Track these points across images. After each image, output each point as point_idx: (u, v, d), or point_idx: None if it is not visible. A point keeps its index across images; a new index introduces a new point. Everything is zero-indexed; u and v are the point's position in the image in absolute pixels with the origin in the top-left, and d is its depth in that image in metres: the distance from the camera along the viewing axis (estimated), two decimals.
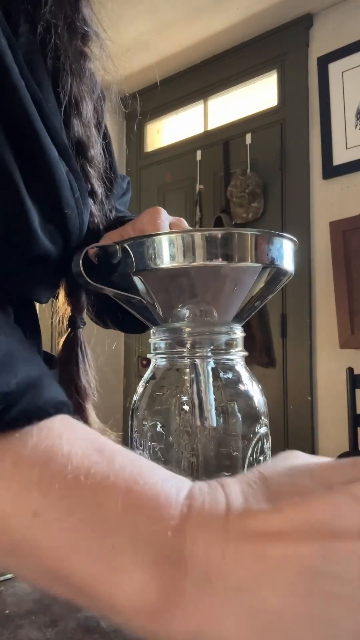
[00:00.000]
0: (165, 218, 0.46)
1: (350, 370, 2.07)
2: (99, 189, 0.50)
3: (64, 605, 0.37)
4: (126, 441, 0.63)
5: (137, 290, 0.39)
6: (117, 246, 0.37)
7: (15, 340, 0.28)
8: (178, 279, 0.36)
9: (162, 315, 0.40)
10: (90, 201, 0.47)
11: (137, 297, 0.39)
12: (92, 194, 0.49)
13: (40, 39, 0.40)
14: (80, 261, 0.39)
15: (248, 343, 0.41)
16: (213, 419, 0.37)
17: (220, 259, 0.35)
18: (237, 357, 0.40)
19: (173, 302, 0.38)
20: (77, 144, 0.46)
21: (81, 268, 0.39)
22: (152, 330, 0.42)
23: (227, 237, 0.35)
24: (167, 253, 0.35)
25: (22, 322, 0.48)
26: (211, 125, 2.68)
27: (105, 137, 0.55)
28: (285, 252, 0.38)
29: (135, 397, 0.41)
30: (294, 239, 0.39)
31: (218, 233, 0.35)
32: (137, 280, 0.37)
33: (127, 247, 0.37)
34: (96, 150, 0.49)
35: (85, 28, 0.46)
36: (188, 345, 0.39)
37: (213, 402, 0.38)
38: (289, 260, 0.39)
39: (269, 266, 0.37)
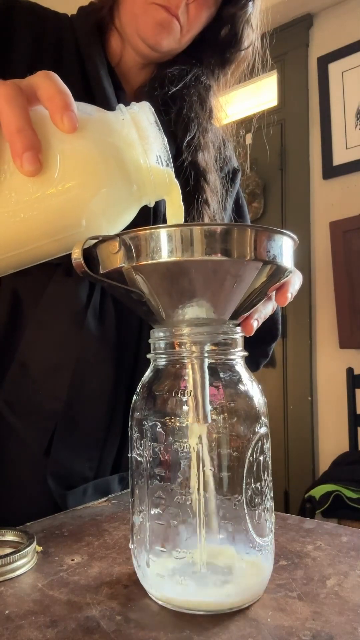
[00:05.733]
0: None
1: (350, 370, 2.07)
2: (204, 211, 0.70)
3: (64, 605, 0.37)
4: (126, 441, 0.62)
5: (136, 284, 0.38)
6: (118, 238, 0.37)
7: None
8: (177, 273, 0.36)
9: (161, 313, 0.39)
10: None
11: (136, 291, 0.38)
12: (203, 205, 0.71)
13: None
14: (81, 252, 0.39)
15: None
16: (208, 417, 0.37)
17: (219, 254, 0.35)
18: (237, 357, 0.40)
19: (171, 298, 0.38)
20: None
21: (82, 259, 0.39)
22: (151, 330, 0.42)
23: (226, 232, 0.35)
24: (166, 247, 0.35)
25: None
26: None
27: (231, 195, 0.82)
28: (284, 249, 0.38)
29: (135, 397, 0.41)
30: (294, 236, 0.39)
31: (217, 228, 0.35)
32: (136, 274, 0.37)
33: (127, 239, 0.36)
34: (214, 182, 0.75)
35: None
36: (187, 345, 0.39)
37: (208, 401, 0.38)
38: (288, 257, 0.39)
39: (268, 262, 0.37)
